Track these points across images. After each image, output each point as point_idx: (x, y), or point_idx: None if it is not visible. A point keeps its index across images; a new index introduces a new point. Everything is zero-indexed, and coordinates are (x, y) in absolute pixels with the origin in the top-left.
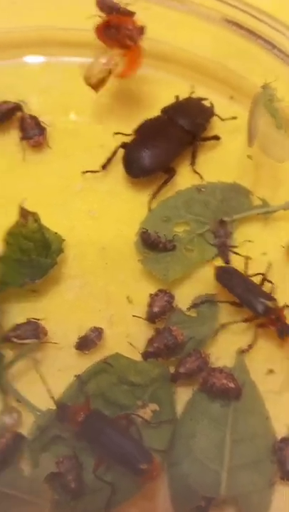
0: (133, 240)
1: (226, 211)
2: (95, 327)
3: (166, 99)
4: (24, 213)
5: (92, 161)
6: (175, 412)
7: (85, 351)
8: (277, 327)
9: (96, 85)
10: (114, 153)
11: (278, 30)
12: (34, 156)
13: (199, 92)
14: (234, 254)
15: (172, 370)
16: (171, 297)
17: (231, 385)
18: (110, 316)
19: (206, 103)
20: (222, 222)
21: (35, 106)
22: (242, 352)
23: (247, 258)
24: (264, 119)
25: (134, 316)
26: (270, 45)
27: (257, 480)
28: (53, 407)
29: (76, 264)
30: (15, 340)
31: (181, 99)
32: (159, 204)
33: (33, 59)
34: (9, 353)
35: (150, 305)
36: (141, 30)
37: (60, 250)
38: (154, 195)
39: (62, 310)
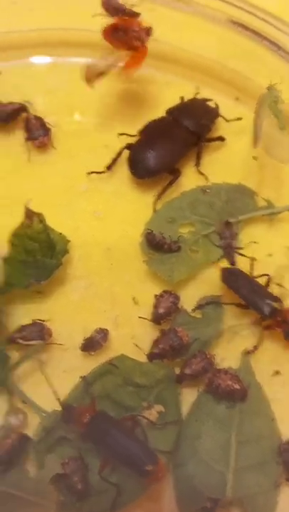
0: (138, 241)
1: (230, 212)
2: (100, 328)
3: (171, 100)
4: (29, 214)
5: (97, 162)
6: (180, 414)
7: (91, 352)
8: (283, 329)
9: (91, 80)
10: (119, 154)
11: (284, 31)
12: (39, 157)
13: (204, 93)
14: (239, 256)
15: (177, 371)
16: (177, 298)
17: (237, 386)
18: (115, 317)
19: (211, 104)
20: (227, 224)
21: (40, 106)
22: (247, 353)
23: (252, 259)
24: (268, 121)
25: (139, 317)
26: (276, 47)
27: (262, 481)
28: (59, 408)
29: (81, 264)
30: (20, 341)
31: (185, 100)
32: (164, 205)
33: (39, 60)
34: (15, 355)
35: (155, 306)
36: (148, 31)
37: (65, 251)
38: (159, 196)
39: (67, 311)
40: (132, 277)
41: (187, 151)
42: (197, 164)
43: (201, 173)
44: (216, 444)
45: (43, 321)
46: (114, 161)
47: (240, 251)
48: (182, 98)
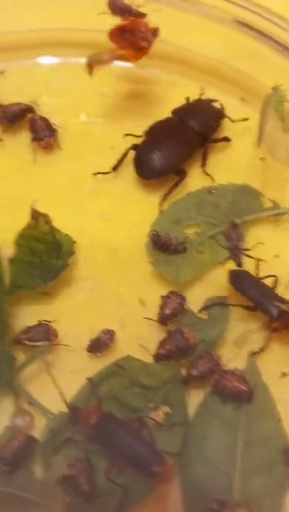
0: (144, 242)
1: (236, 213)
2: (106, 329)
3: (177, 101)
4: (35, 215)
5: (102, 163)
6: (187, 415)
7: (97, 353)
8: None
9: (92, 67)
10: (125, 154)
11: None
12: (45, 158)
13: (210, 94)
14: (246, 257)
15: (183, 372)
16: (183, 299)
17: (243, 387)
18: (122, 318)
19: (217, 104)
20: (234, 225)
21: (46, 107)
22: (253, 354)
23: (258, 260)
24: (272, 122)
25: (145, 318)
26: (281, 47)
27: (269, 482)
28: (65, 409)
29: (87, 265)
30: (26, 342)
31: (191, 100)
32: (170, 206)
33: (45, 60)
34: (21, 356)
35: (162, 307)
36: (155, 32)
37: (72, 252)
38: (165, 197)
39: (73, 312)
40: (137, 278)
41: (193, 152)
42: (203, 165)
43: (207, 174)
44: (223, 445)
45: (49, 322)
46: (120, 161)
47: (247, 252)
48: (188, 99)
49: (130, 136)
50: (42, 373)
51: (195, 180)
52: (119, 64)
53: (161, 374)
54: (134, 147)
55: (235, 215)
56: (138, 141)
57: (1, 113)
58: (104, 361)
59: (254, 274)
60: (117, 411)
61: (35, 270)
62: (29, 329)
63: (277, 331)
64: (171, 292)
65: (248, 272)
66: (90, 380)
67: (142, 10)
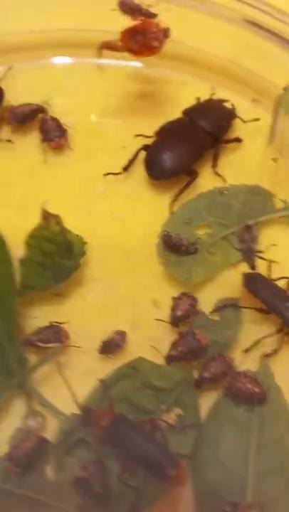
0: (155, 242)
1: (248, 214)
2: (118, 330)
3: (188, 101)
4: (46, 216)
5: (113, 163)
6: (199, 417)
7: (109, 355)
8: None
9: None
10: (136, 155)
11: None
12: (55, 158)
13: (221, 94)
14: (258, 259)
15: (195, 374)
16: (195, 301)
17: (256, 389)
18: (133, 319)
19: (228, 105)
20: (247, 227)
21: (57, 107)
22: (266, 356)
23: (270, 262)
24: (283, 122)
25: (157, 319)
26: None
27: (282, 484)
28: (77, 411)
29: (98, 266)
30: (38, 344)
31: (202, 100)
32: (181, 206)
33: (56, 60)
34: (33, 357)
35: (173, 308)
36: (166, 32)
37: (83, 253)
38: (176, 198)
39: (85, 313)
40: (149, 279)
41: (204, 152)
42: (214, 165)
43: (218, 175)
44: (235, 447)
45: (61, 323)
46: (131, 162)
47: (260, 254)
48: (198, 99)
49: (141, 137)
50: (54, 375)
51: (206, 180)
52: (129, 64)
53: (174, 376)
54: (145, 148)
55: (246, 215)
56: (149, 141)
57: (10, 114)
58: (116, 362)
59: (266, 276)
60: (129, 413)
61: (46, 271)
62: (40, 331)
63: None
64: (183, 293)
65: (261, 275)
66: (102, 381)
67: (152, 10)
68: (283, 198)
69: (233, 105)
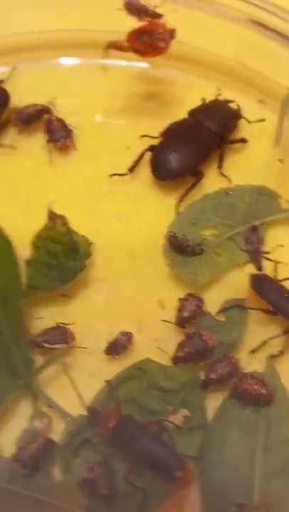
0: (160, 243)
1: (253, 214)
2: (124, 331)
3: (193, 102)
4: (52, 216)
5: (119, 164)
6: (206, 418)
7: (115, 356)
8: None
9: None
10: (142, 156)
11: None
12: (61, 159)
13: (227, 95)
14: (264, 260)
15: (202, 375)
16: (201, 301)
17: (263, 390)
18: (139, 320)
19: (233, 105)
20: (253, 228)
21: (62, 108)
22: (272, 357)
23: (277, 263)
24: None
25: (163, 320)
26: None
27: None
28: (84, 412)
29: (104, 267)
30: (44, 345)
31: (207, 101)
32: (187, 207)
33: (61, 61)
34: (39, 358)
35: (180, 309)
36: (172, 33)
37: (89, 253)
38: (182, 199)
39: (91, 314)
40: (155, 280)
41: (210, 153)
42: (219, 166)
43: (224, 175)
44: (242, 448)
45: (67, 324)
46: (137, 163)
47: (267, 255)
48: (204, 99)
49: (146, 138)
50: (60, 376)
51: (212, 181)
52: (135, 64)
53: (180, 377)
54: (151, 148)
55: (252, 216)
56: (154, 142)
57: (16, 115)
58: (122, 364)
59: (273, 277)
60: (136, 414)
61: (52, 272)
62: (46, 332)
63: None
64: (189, 294)
65: (267, 276)
66: (108, 382)
67: (158, 10)
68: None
69: (238, 106)
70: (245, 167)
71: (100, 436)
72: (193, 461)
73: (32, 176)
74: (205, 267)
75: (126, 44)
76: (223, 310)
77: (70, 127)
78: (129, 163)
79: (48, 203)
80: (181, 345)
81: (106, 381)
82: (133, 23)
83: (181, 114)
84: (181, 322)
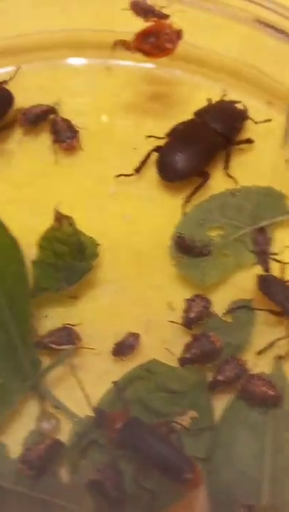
0: (167, 244)
1: (260, 215)
2: (131, 332)
3: (199, 103)
4: (59, 217)
5: (125, 164)
6: (213, 419)
7: (122, 357)
8: None
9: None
10: (148, 156)
11: None
12: (67, 159)
13: (234, 96)
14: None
15: (209, 376)
16: (208, 302)
17: (271, 392)
18: (146, 321)
19: (239, 106)
20: (261, 230)
21: (67, 108)
22: (280, 359)
23: (284, 264)
24: None
25: (170, 321)
26: None
27: None
28: (91, 413)
29: (111, 268)
30: (52, 345)
31: (213, 102)
32: (193, 208)
33: (67, 61)
34: (46, 359)
35: (186, 310)
36: (179, 33)
37: (96, 254)
38: (188, 199)
39: (97, 315)
40: (161, 281)
41: (216, 154)
42: (226, 167)
43: (230, 176)
44: (250, 450)
45: (73, 325)
46: (143, 163)
47: (274, 256)
48: (210, 100)
49: (152, 138)
50: (67, 377)
51: (218, 182)
52: (141, 65)
53: (188, 378)
54: (157, 149)
55: (259, 217)
56: (160, 142)
57: (22, 115)
58: (129, 365)
59: (280, 278)
60: (143, 415)
61: (59, 272)
62: (52, 333)
63: None
64: (196, 295)
65: (275, 277)
66: (115, 383)
67: (164, 11)
68: None
69: (244, 106)
70: (251, 168)
71: (107, 437)
72: (201, 462)
73: (38, 176)
74: (212, 268)
75: (133, 45)
76: (230, 311)
77: (75, 128)
78: (135, 163)
79: (54, 203)
80: (188, 347)
81: (113, 382)
82: (139, 23)
83: (186, 114)
84: (188, 323)
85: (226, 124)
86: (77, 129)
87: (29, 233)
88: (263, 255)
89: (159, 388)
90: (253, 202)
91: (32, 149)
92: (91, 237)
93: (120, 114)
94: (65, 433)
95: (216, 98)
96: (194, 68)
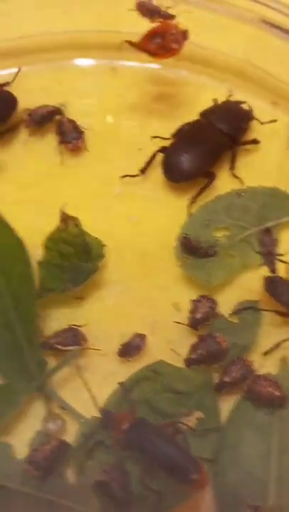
0: (173, 245)
1: (266, 216)
2: (137, 333)
3: (205, 103)
4: (65, 218)
5: (130, 165)
6: (220, 420)
7: (128, 358)
8: None
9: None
10: (153, 157)
11: None
12: (72, 160)
13: (239, 96)
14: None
15: (215, 377)
16: (214, 303)
17: (277, 393)
18: (152, 322)
19: (245, 106)
20: (267, 231)
21: (73, 109)
22: (286, 359)
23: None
24: None
25: (175, 322)
26: None
27: None
28: (97, 414)
29: (116, 269)
30: (58, 346)
31: (219, 102)
32: (199, 209)
33: (72, 62)
34: (52, 360)
35: (192, 311)
36: (185, 33)
37: (101, 255)
38: (194, 200)
39: (103, 316)
40: (167, 281)
41: (221, 154)
42: (232, 167)
43: (236, 177)
44: (256, 451)
45: (79, 326)
46: (148, 164)
47: (281, 257)
48: (215, 100)
49: (158, 139)
50: (73, 377)
51: (224, 182)
52: (146, 66)
53: (194, 379)
54: (163, 150)
55: (265, 218)
56: (166, 143)
57: (28, 116)
58: (135, 365)
59: (286, 279)
60: (149, 416)
61: (65, 273)
62: (58, 333)
63: None
64: (202, 296)
65: (281, 278)
66: (121, 384)
67: (170, 11)
68: None
69: (250, 107)
70: (257, 168)
71: (114, 438)
72: (208, 463)
73: (44, 177)
74: (218, 268)
75: (139, 45)
76: (237, 312)
77: (81, 128)
78: (141, 164)
79: (60, 204)
80: (194, 347)
81: (119, 383)
82: (145, 23)
83: (192, 115)
84: (194, 324)
85: (232, 125)
86: (83, 129)
87: (35, 234)
88: (269, 256)
89: (165, 389)
90: (259, 202)
91: (38, 150)
92: (97, 238)
93: (126, 114)
94: (71, 434)
95: (221, 98)
96: (200, 69)
